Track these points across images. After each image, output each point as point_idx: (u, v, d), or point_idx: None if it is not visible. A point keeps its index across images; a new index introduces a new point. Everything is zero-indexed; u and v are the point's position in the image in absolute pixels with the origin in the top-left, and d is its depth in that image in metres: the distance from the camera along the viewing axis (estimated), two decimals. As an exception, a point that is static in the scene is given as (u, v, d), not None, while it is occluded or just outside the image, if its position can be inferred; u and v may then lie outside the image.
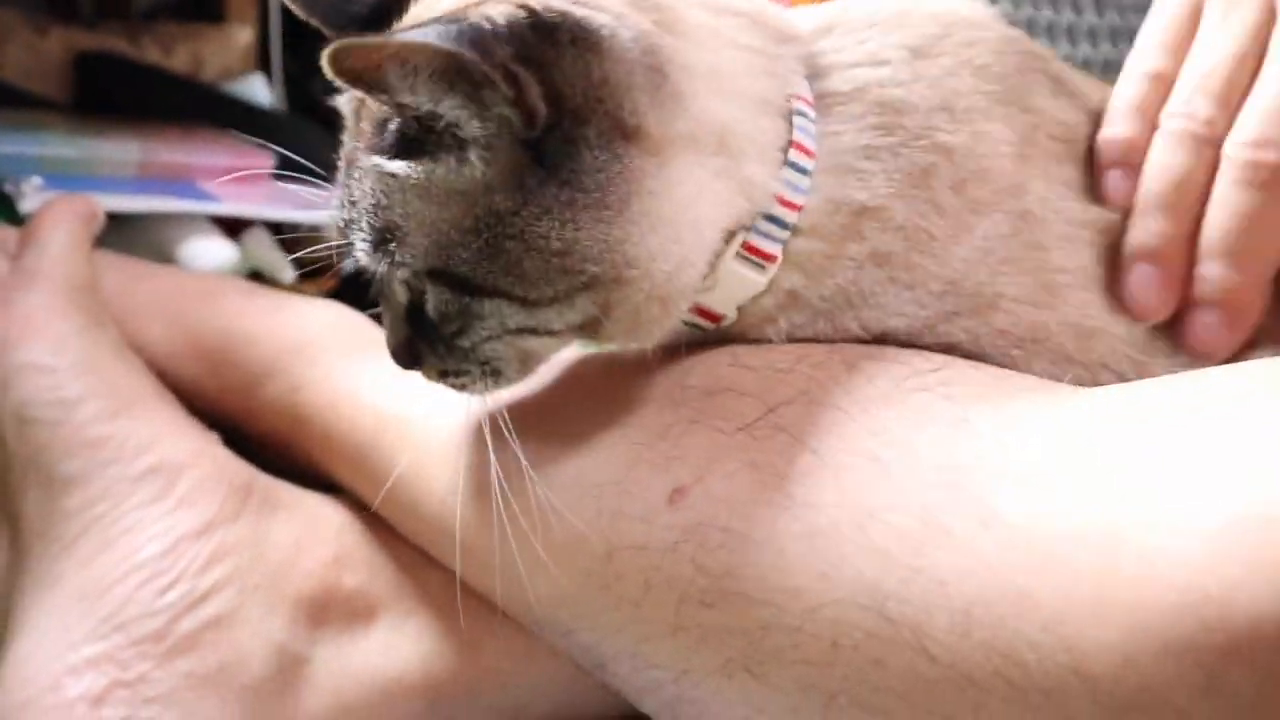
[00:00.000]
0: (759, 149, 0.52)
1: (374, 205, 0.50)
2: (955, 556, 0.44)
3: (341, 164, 0.53)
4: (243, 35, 1.24)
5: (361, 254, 0.51)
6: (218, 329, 0.72)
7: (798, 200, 0.52)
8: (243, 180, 0.96)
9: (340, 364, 0.69)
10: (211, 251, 0.94)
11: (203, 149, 1.02)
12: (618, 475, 0.52)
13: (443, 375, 0.53)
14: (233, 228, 1.00)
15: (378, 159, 0.50)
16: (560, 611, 0.55)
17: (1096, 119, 0.57)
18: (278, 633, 0.60)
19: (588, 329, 0.51)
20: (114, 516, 0.60)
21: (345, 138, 0.54)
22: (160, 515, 0.60)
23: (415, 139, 0.48)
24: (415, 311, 0.52)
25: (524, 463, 0.52)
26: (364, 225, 0.50)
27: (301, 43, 1.22)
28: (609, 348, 0.56)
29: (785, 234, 0.52)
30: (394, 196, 0.50)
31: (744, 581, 0.48)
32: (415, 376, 0.55)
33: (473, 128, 0.47)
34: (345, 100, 0.54)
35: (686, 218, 0.49)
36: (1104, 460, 0.44)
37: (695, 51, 0.50)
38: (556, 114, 0.46)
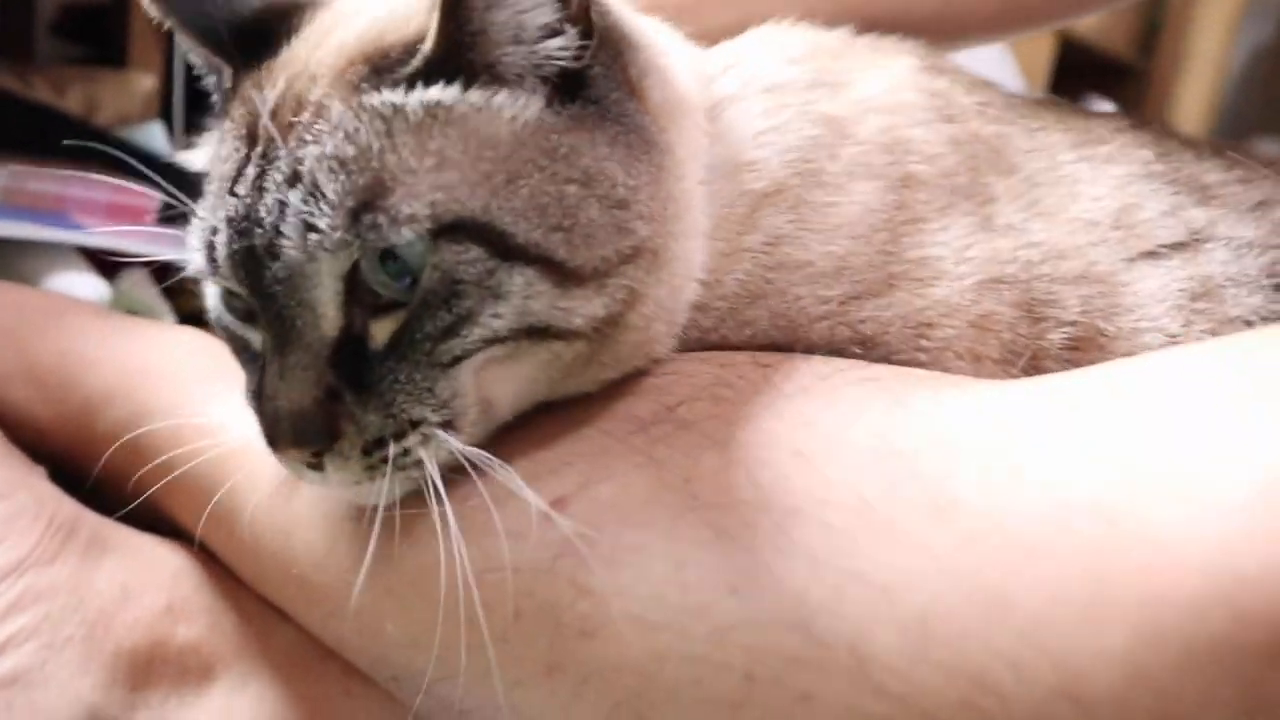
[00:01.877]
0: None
1: (354, 161, 0.43)
2: (901, 555, 0.37)
3: (228, 168, 0.46)
4: (144, 82, 1.21)
5: (303, 242, 0.43)
6: (56, 350, 0.64)
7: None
8: (124, 220, 0.89)
9: (191, 391, 0.61)
10: (78, 286, 0.86)
11: (79, 184, 0.95)
12: (488, 489, 0.45)
13: (366, 452, 0.45)
14: (110, 269, 0.93)
15: (392, 95, 0.44)
16: (417, 658, 0.47)
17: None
18: (90, 693, 0.51)
19: (600, 334, 0.45)
20: None
21: (236, 142, 0.47)
22: None
23: (453, 66, 0.44)
24: (347, 346, 0.44)
25: None
26: (322, 197, 0.43)
27: (207, 95, 1.21)
28: (580, 386, 0.49)
29: None
30: (404, 139, 0.43)
31: (633, 601, 0.41)
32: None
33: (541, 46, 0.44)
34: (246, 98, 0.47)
35: (690, 196, 0.49)
36: (1083, 435, 0.37)
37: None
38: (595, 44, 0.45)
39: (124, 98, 1.23)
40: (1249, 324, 0.52)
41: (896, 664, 0.35)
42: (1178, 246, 0.54)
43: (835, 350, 0.50)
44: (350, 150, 0.43)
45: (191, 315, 1.04)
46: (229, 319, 0.49)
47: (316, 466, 0.45)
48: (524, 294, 0.43)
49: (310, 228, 0.43)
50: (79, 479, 0.60)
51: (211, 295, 0.50)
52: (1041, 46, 2.28)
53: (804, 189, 0.50)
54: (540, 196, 0.43)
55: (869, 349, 0.50)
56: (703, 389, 0.46)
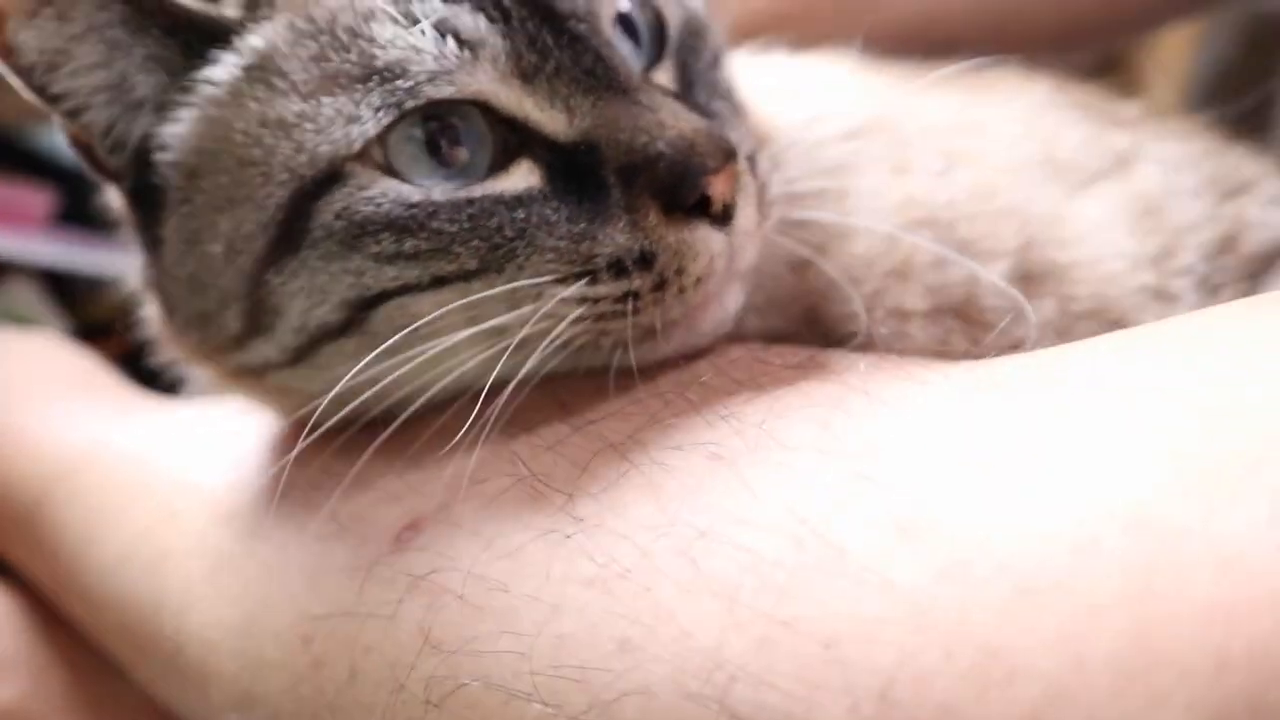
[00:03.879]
0: None
1: None
2: (853, 597, 0.30)
3: None
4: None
5: None
6: None
7: None
8: (12, 223, 0.93)
9: (28, 403, 0.58)
10: None
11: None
12: (338, 513, 0.42)
13: (750, 160, 0.46)
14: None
15: None
16: None
17: None
18: None
19: None
20: None
21: None
22: None
23: None
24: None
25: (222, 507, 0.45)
26: None
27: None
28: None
29: None
30: None
31: (491, 661, 0.34)
32: (131, 407, 0.48)
33: None
34: None
35: None
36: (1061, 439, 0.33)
37: None
38: None
39: (15, 95, 0.74)
40: (1199, 229, 0.53)
41: None
42: (1108, 172, 0.54)
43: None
44: None
45: (92, 324, 0.81)
46: (448, 187, 0.44)
47: (727, 215, 0.43)
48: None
49: None
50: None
51: (383, 172, 0.44)
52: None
53: None
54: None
55: (814, 324, 0.50)
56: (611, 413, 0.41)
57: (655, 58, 0.48)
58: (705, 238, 0.42)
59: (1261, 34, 1.26)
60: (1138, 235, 0.52)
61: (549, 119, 0.44)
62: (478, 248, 0.42)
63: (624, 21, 0.47)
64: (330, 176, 0.43)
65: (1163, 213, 0.53)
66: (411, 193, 0.43)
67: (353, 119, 0.42)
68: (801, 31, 0.61)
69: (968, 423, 0.35)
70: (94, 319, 0.97)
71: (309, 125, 0.43)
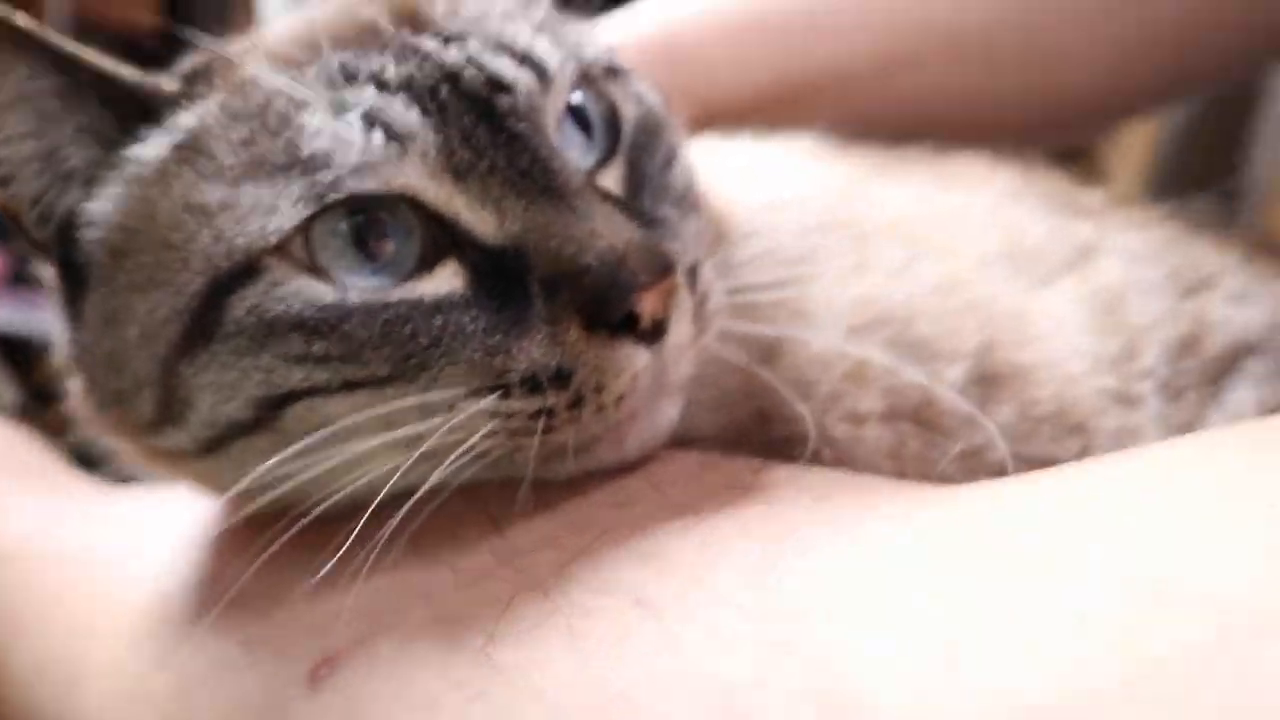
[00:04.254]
0: None
1: None
2: None
3: (375, 55, 0.44)
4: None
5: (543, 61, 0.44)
6: None
7: None
8: None
9: None
10: None
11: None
12: (251, 641, 0.40)
13: (691, 273, 0.44)
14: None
15: None
16: None
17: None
18: None
19: None
20: None
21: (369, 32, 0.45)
22: None
23: None
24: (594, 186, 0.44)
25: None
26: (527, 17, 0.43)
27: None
28: None
29: None
30: None
31: None
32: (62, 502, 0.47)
33: None
34: None
35: None
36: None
37: None
38: None
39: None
40: (1161, 327, 0.51)
41: None
42: (1071, 264, 0.53)
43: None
44: None
45: (45, 386, 0.79)
46: (369, 283, 0.42)
47: (658, 332, 0.41)
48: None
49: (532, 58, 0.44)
50: None
51: (331, 242, 0.42)
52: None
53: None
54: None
55: (767, 425, 0.48)
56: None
57: (608, 153, 0.47)
58: (629, 355, 0.41)
59: (1223, 115, 1.27)
60: (1099, 334, 0.50)
61: (479, 220, 0.42)
62: (390, 355, 0.41)
63: (576, 114, 0.46)
64: (246, 270, 0.42)
65: (1125, 309, 0.51)
66: (324, 294, 0.41)
67: (270, 210, 0.41)
68: (787, 119, 0.60)
69: (907, 583, 0.33)
70: (48, 381, 0.95)
71: (229, 214, 0.42)
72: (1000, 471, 0.46)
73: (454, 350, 0.41)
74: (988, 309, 0.50)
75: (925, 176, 0.57)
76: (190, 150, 0.44)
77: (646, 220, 0.44)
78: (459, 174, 0.42)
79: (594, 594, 0.35)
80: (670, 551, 0.37)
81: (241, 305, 0.41)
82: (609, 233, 0.40)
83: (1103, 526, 0.32)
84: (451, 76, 0.43)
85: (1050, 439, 0.48)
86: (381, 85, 0.42)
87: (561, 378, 0.41)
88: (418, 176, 0.42)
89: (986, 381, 0.49)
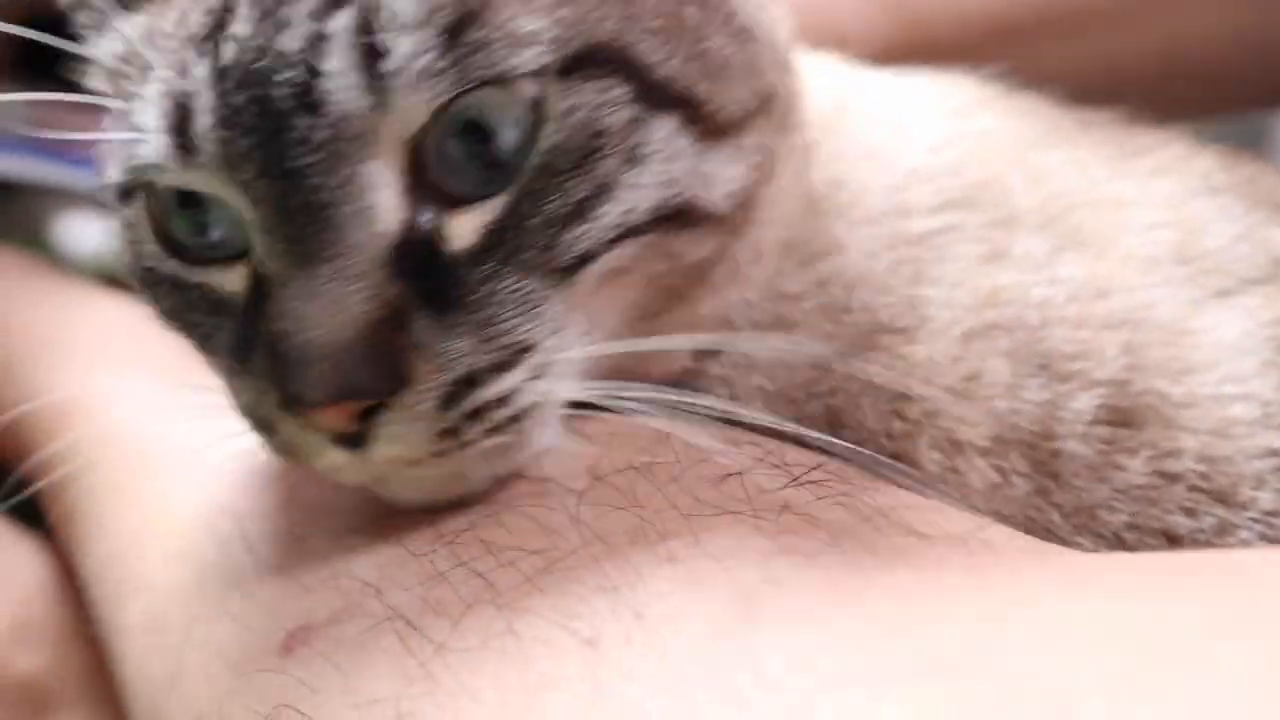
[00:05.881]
0: None
1: None
2: None
3: (198, 15, 0.35)
4: None
5: (363, 79, 0.32)
6: None
7: None
8: None
9: (102, 375, 0.54)
10: (80, 233, 0.81)
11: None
12: (255, 591, 0.39)
13: (445, 404, 0.34)
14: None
15: None
16: None
17: None
18: None
19: (732, 224, 0.38)
20: None
21: None
22: None
23: None
24: (408, 250, 0.34)
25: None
26: (394, 12, 0.32)
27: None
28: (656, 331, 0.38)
29: None
30: None
31: None
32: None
33: None
34: None
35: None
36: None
37: None
38: None
39: None
40: None
41: None
42: (1259, 280, 0.43)
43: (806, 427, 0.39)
44: None
45: None
46: (170, 264, 0.38)
47: (358, 440, 0.35)
48: (665, 153, 0.34)
49: (374, 54, 0.32)
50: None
51: (135, 225, 0.39)
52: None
53: None
54: (661, 17, 0.35)
55: (836, 429, 0.40)
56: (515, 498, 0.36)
57: (486, 190, 0.35)
58: (319, 446, 0.36)
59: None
60: (1276, 377, 0.40)
61: (259, 241, 0.36)
62: (187, 330, 0.41)
63: (475, 130, 0.34)
64: None
65: None
66: (150, 256, 0.40)
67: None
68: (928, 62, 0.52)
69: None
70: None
71: None
72: (1115, 540, 0.39)
73: (218, 350, 0.40)
74: (1140, 321, 0.41)
75: (1104, 150, 0.48)
76: None
77: (444, 301, 0.34)
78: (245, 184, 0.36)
79: (544, 624, 0.32)
80: (638, 585, 0.35)
81: None
82: (317, 329, 0.33)
83: None
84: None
85: (1180, 506, 0.39)
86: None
87: (269, 429, 0.38)
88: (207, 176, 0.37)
89: (1120, 419, 0.40)
